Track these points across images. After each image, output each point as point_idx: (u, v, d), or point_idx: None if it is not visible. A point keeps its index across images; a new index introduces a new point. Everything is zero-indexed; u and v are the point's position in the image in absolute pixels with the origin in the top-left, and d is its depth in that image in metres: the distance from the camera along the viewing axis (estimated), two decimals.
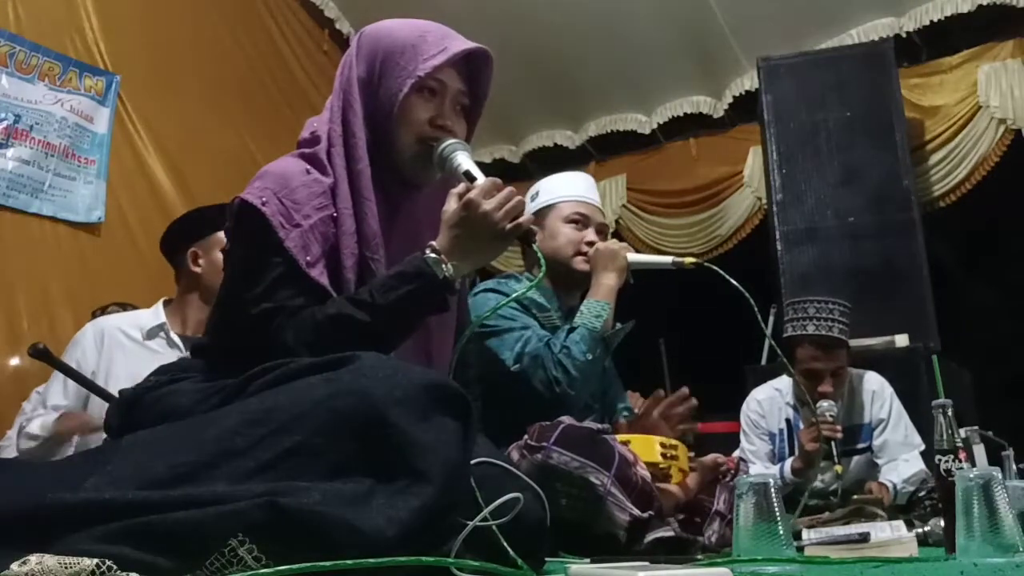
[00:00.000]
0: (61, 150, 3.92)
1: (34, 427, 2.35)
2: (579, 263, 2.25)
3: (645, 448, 1.83)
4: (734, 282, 1.95)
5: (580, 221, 2.30)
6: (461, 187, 1.47)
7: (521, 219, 1.45)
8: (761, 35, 4.86)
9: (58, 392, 2.41)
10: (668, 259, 2.21)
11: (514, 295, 1.65)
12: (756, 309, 1.91)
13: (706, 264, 2.11)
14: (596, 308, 2.14)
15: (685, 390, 2.06)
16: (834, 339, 3.04)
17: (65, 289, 3.79)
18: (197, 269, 2.50)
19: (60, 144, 3.92)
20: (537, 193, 2.39)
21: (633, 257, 2.23)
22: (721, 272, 2.00)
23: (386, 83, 1.52)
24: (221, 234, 2.48)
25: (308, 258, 1.41)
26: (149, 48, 4.39)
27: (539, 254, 1.53)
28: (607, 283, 2.18)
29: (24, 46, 3.83)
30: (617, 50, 5.21)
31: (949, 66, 4.75)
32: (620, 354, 2.32)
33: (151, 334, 2.46)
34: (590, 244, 2.26)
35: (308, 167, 1.48)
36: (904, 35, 4.73)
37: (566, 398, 2.02)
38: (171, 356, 2.42)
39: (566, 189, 2.37)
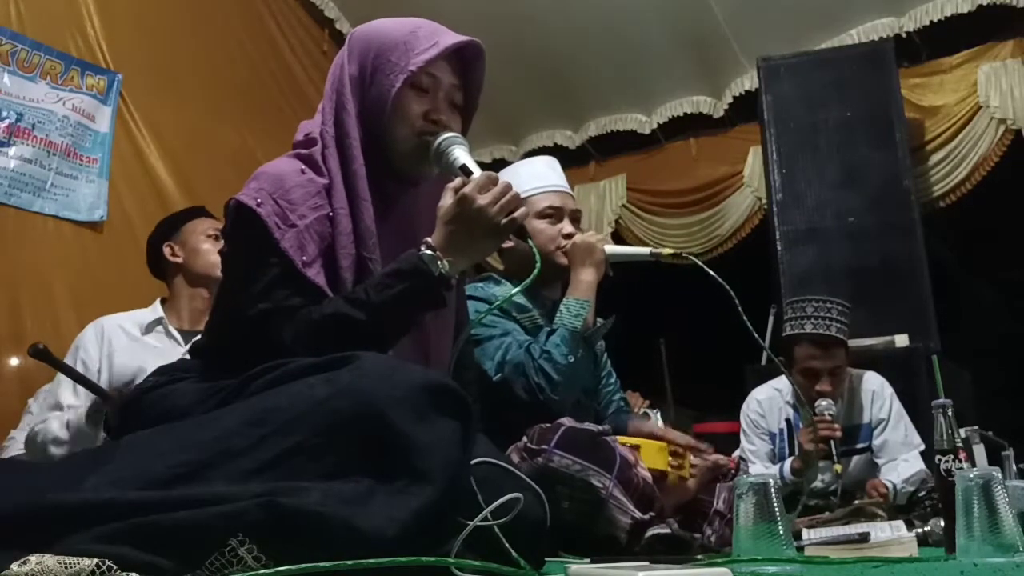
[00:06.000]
0: (63, 149, 3.92)
1: (56, 430, 2.31)
2: (560, 258, 2.18)
3: (653, 455, 1.83)
4: (712, 273, 1.94)
5: (553, 215, 2.23)
6: (457, 182, 1.46)
7: (516, 213, 1.44)
8: (761, 35, 4.86)
9: (68, 392, 2.40)
10: (646, 250, 2.18)
11: (505, 298, 1.63)
12: (737, 302, 1.89)
13: (684, 255, 2.10)
14: (575, 307, 2.07)
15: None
16: (832, 338, 3.03)
17: (68, 288, 3.79)
18: (176, 259, 2.54)
19: (62, 143, 3.92)
20: None
21: (611, 249, 2.18)
22: (700, 263, 1.98)
23: (379, 80, 1.52)
24: (189, 224, 2.58)
25: (304, 258, 1.40)
26: (150, 47, 4.39)
27: (534, 249, 1.52)
28: (586, 279, 2.11)
29: (26, 44, 3.83)
30: (617, 50, 5.21)
31: (949, 66, 4.75)
32: (620, 354, 2.29)
33: (149, 329, 2.49)
34: (568, 236, 2.20)
35: (303, 167, 1.48)
36: (904, 35, 4.73)
37: (551, 404, 1.96)
38: (169, 349, 2.44)
39: (533, 180, 2.27)
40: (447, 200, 1.45)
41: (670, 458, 1.86)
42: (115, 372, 2.36)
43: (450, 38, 1.55)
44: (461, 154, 1.50)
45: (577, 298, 2.09)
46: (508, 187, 1.45)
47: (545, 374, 1.99)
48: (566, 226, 2.23)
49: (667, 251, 2.13)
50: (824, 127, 4.37)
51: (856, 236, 4.21)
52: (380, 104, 1.51)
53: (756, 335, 1.89)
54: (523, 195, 2.18)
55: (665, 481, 1.82)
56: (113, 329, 2.47)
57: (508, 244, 2.14)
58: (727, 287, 1.90)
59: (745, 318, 1.91)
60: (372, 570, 0.95)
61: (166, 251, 2.55)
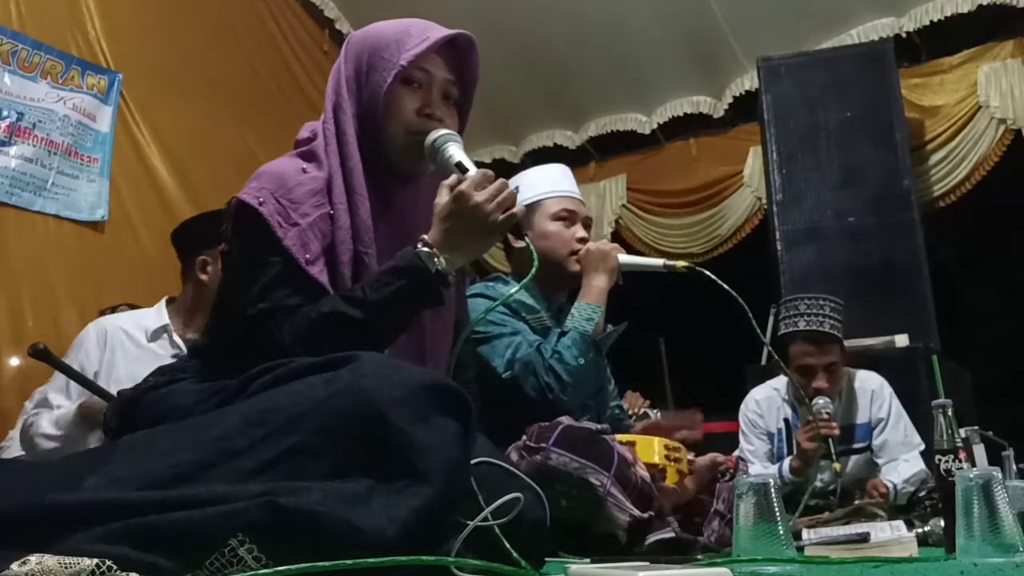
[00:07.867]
0: (64, 148, 3.93)
1: (45, 426, 2.30)
2: (572, 263, 2.20)
3: (647, 449, 1.84)
4: (726, 287, 1.94)
5: (568, 218, 2.25)
6: (452, 179, 1.46)
7: (513, 210, 1.44)
8: (761, 35, 4.86)
9: (60, 392, 2.39)
10: (660, 262, 2.19)
11: (506, 296, 1.64)
12: (749, 312, 1.91)
13: (698, 268, 2.09)
14: (587, 311, 2.09)
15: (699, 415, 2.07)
16: (825, 334, 3.03)
17: (69, 287, 3.80)
18: (204, 277, 2.45)
19: (63, 142, 3.93)
20: (517, 189, 2.33)
21: (624, 259, 2.19)
22: (713, 277, 1.98)
23: (372, 78, 1.53)
24: None
25: (307, 256, 1.41)
26: (151, 47, 4.40)
27: (531, 247, 1.52)
28: (598, 285, 2.13)
29: (26, 44, 3.84)
30: (617, 50, 5.21)
31: (949, 66, 4.75)
32: (620, 354, 2.30)
33: (155, 336, 2.44)
34: (581, 241, 2.22)
35: (304, 165, 1.49)
36: (904, 35, 4.73)
37: (559, 404, 1.97)
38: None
39: (549, 184, 2.31)
40: (443, 197, 1.44)
41: (666, 451, 1.87)
42: (116, 379, 2.32)
43: (440, 32, 1.55)
44: (456, 151, 1.50)
45: (589, 303, 2.11)
46: (504, 184, 1.45)
47: (555, 374, 2.00)
48: (579, 231, 2.25)
49: (680, 264, 2.13)
50: (824, 127, 4.37)
51: (856, 236, 4.21)
52: (374, 102, 1.52)
53: (766, 342, 1.90)
54: (537, 198, 2.27)
55: (664, 476, 1.82)
56: (116, 333, 2.43)
57: (520, 244, 2.16)
58: (739, 298, 1.91)
59: (756, 325, 1.92)
60: (372, 570, 0.96)
61: (199, 264, 2.45)
